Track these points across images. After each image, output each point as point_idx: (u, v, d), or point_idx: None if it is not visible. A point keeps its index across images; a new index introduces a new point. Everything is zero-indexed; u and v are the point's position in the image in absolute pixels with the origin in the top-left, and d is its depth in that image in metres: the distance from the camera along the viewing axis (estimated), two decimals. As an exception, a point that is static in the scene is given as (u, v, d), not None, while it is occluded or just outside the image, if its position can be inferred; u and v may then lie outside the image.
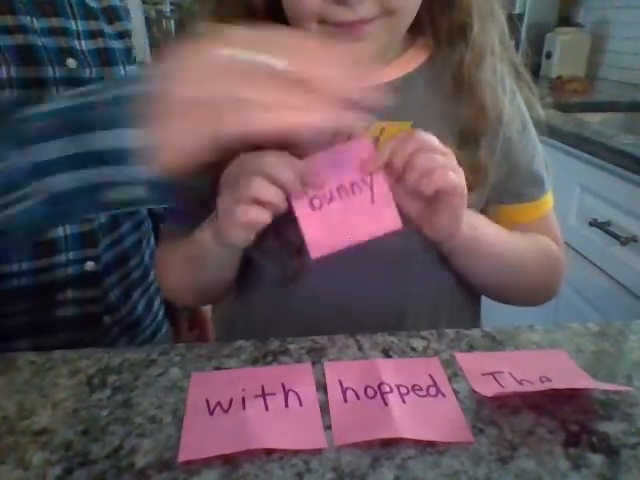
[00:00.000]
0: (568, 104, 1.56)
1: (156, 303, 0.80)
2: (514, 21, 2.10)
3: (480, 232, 0.55)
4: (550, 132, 1.31)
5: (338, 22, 0.50)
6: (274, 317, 0.60)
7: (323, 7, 0.49)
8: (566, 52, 1.93)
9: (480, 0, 0.57)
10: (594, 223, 1.14)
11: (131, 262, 0.73)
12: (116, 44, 0.69)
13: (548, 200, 0.65)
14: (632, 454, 0.36)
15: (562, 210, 1.26)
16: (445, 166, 0.47)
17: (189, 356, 0.47)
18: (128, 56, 0.71)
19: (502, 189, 0.61)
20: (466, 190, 0.48)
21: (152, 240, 0.80)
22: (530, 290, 0.63)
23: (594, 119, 1.44)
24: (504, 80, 0.60)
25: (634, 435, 0.38)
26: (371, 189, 0.46)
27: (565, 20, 2.07)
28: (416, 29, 0.58)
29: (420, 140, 0.47)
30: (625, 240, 1.05)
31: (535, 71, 2.05)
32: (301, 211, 0.45)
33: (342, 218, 0.45)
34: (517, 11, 2.10)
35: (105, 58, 0.67)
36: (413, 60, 0.60)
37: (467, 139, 0.57)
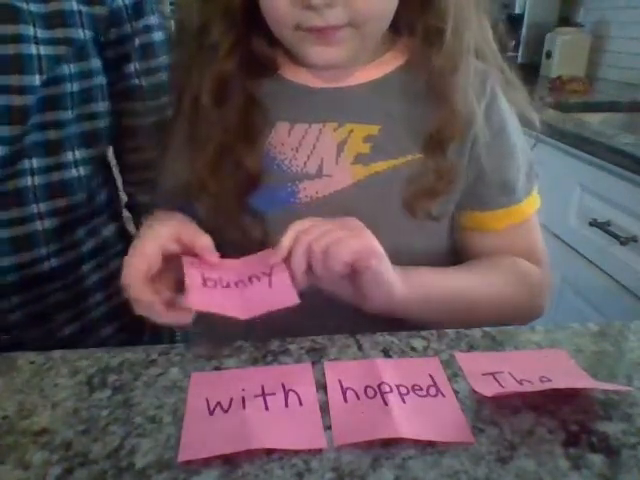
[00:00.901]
0: (568, 104, 1.57)
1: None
2: (513, 21, 2.10)
3: (430, 289, 0.55)
4: (550, 132, 1.32)
5: (309, 28, 0.52)
6: None
7: (295, 14, 0.52)
8: (566, 52, 1.93)
9: (458, 4, 0.56)
10: (594, 223, 1.14)
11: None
12: (42, 50, 0.61)
13: (523, 209, 0.62)
14: (632, 454, 0.36)
15: (562, 210, 1.27)
16: (342, 238, 0.48)
17: (189, 356, 0.47)
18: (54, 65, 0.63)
19: (470, 195, 0.60)
20: (381, 249, 0.49)
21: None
22: (505, 319, 0.58)
23: (594, 119, 1.45)
24: (484, 84, 0.59)
25: (634, 435, 0.38)
26: (269, 276, 0.48)
27: (565, 20, 2.07)
28: (398, 30, 0.58)
29: (315, 227, 0.49)
30: (625, 240, 1.05)
31: (535, 71, 2.05)
32: (192, 279, 0.47)
33: (234, 293, 0.48)
34: (517, 11, 2.10)
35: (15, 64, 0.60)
36: (391, 62, 0.61)
37: (435, 144, 0.57)
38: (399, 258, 0.54)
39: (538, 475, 0.35)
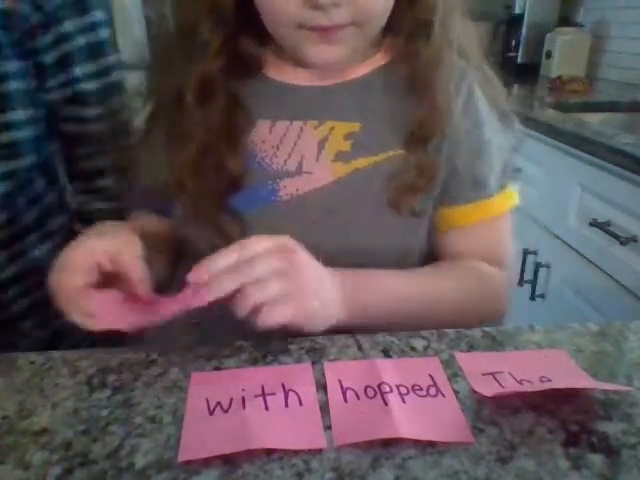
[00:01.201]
0: (568, 104, 1.57)
1: None
2: (513, 21, 2.10)
3: (375, 308, 0.54)
4: (550, 132, 1.32)
5: (314, 27, 0.52)
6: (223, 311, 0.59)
7: (300, 13, 0.51)
8: (566, 52, 1.93)
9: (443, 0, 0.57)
10: (594, 223, 1.14)
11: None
12: None
13: (493, 205, 0.62)
14: (632, 454, 0.36)
15: (562, 210, 1.27)
16: (276, 299, 0.45)
17: (189, 356, 0.47)
18: None
19: (443, 191, 0.60)
20: (314, 306, 0.48)
21: None
22: (460, 325, 0.55)
23: (594, 119, 1.44)
24: (462, 81, 0.60)
25: (634, 435, 0.38)
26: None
27: (565, 20, 2.07)
28: (386, 28, 0.58)
29: (248, 267, 0.46)
30: (625, 240, 1.05)
31: (535, 71, 2.05)
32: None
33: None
34: (517, 11, 2.10)
35: None
36: (375, 62, 0.61)
37: (416, 139, 0.58)
38: (378, 256, 0.54)
39: (538, 475, 0.35)
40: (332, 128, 0.59)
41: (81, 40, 0.66)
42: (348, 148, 0.58)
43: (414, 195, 0.58)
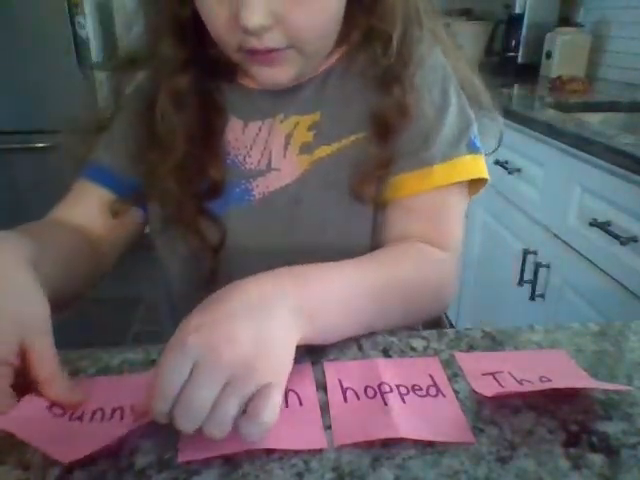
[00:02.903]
0: (568, 104, 1.56)
1: None
2: (513, 21, 2.10)
3: (329, 332, 0.46)
4: (550, 132, 1.32)
5: (249, 50, 0.52)
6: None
7: (237, 37, 0.51)
8: (566, 52, 1.93)
9: (404, 5, 0.56)
10: (594, 223, 1.14)
11: None
12: None
13: (436, 174, 0.56)
14: (632, 454, 0.36)
15: (562, 210, 1.27)
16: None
17: (189, 356, 0.47)
18: None
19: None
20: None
21: None
22: (411, 315, 0.54)
23: (594, 119, 1.44)
24: (420, 45, 0.58)
25: (634, 435, 0.38)
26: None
27: (565, 20, 2.07)
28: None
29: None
30: (625, 240, 1.05)
31: (535, 71, 2.05)
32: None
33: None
34: (517, 11, 2.10)
35: None
36: (333, 56, 0.60)
37: (378, 126, 0.56)
38: (349, 248, 0.53)
39: (538, 475, 0.35)
40: (297, 123, 0.59)
41: None
42: (310, 139, 0.58)
43: (372, 184, 0.56)
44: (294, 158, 0.59)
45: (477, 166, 0.59)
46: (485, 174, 0.59)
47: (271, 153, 0.60)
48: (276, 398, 0.36)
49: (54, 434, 0.37)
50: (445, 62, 0.60)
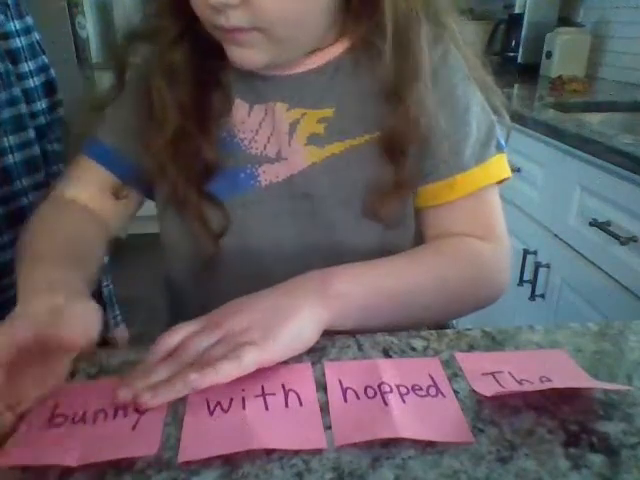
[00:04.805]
0: (568, 104, 1.56)
1: None
2: (513, 21, 2.10)
3: (371, 310, 0.50)
4: (550, 132, 1.31)
5: (219, 27, 0.51)
6: (202, 301, 0.54)
7: (208, 13, 0.51)
8: (566, 52, 1.93)
9: (404, 6, 0.54)
10: (594, 223, 1.14)
11: None
12: None
13: (472, 178, 0.58)
14: (632, 454, 0.36)
15: (562, 210, 1.27)
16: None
17: (189, 356, 0.47)
18: None
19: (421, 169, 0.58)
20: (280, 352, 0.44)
21: None
22: (460, 306, 0.58)
23: (594, 119, 1.44)
24: (436, 47, 0.57)
25: (634, 435, 0.38)
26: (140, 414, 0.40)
27: (565, 20, 2.06)
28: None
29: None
30: (625, 240, 1.05)
31: (535, 71, 2.05)
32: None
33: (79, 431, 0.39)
34: (517, 11, 2.10)
35: None
36: (340, 45, 0.59)
37: (391, 152, 0.56)
38: (359, 246, 0.53)
39: (538, 475, 0.35)
40: (304, 113, 0.59)
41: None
42: (321, 131, 0.58)
43: (390, 204, 0.57)
44: (301, 148, 0.58)
45: (505, 165, 0.61)
46: (510, 172, 0.62)
47: (277, 140, 0.59)
48: (245, 358, 0.41)
49: (61, 443, 0.37)
50: (463, 62, 0.60)
